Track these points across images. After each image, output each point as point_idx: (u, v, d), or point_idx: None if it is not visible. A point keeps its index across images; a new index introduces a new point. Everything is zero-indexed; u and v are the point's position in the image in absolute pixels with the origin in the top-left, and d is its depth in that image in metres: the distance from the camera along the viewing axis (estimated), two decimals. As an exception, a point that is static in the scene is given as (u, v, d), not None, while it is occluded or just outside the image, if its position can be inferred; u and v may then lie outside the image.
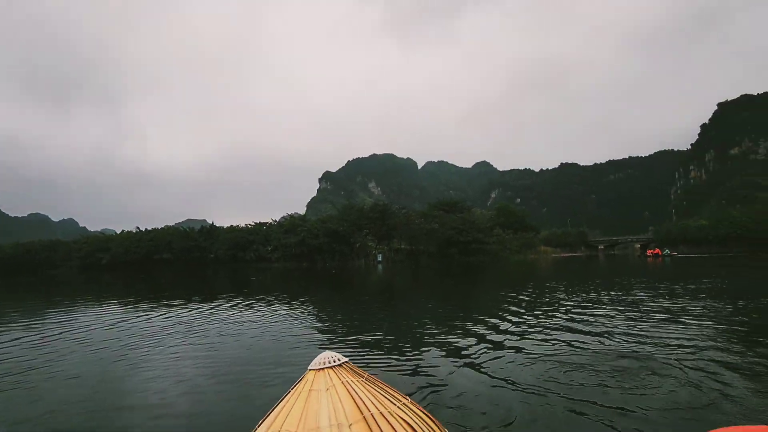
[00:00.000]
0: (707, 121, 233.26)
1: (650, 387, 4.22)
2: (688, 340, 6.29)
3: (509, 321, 8.57)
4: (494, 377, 4.84)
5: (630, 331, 7.06)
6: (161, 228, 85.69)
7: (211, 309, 11.89)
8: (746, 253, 68.07)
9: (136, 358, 6.31)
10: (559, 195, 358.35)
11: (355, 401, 1.01)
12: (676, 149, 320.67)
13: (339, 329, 8.44)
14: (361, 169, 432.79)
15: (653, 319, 8.20)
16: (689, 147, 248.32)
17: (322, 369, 1.26)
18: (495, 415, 3.68)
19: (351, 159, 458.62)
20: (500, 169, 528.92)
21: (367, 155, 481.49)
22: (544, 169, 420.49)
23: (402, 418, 1.05)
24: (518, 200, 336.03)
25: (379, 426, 0.91)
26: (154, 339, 7.77)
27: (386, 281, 24.42)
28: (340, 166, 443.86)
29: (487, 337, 7.07)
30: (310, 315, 10.88)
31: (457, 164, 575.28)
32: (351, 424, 0.98)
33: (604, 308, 9.89)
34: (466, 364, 5.44)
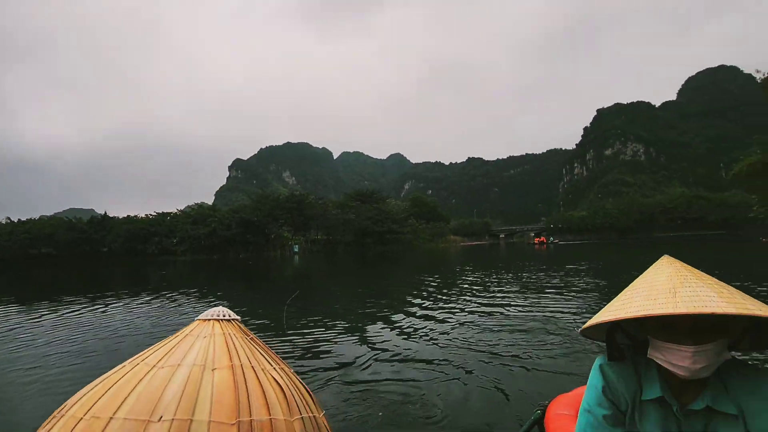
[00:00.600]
0: (588, 125, 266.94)
1: (547, 343, 5.25)
2: (571, 307, 7.74)
3: (422, 301, 9.36)
4: (406, 351, 5.20)
5: (526, 303, 8.37)
6: (38, 219, 74.29)
7: (113, 306, 10.92)
8: (616, 240, 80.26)
9: None
10: (467, 187, 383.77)
11: (229, 351, 1.00)
12: (564, 148, 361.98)
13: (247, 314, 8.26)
14: (275, 158, 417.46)
15: (545, 293, 9.76)
16: (575, 146, 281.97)
17: (209, 320, 1.23)
18: (404, 392, 3.75)
19: (264, 147, 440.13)
20: (413, 161, 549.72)
21: (281, 143, 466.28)
22: (453, 162, 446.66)
23: (272, 376, 1.05)
24: (430, 191, 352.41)
25: (245, 376, 0.88)
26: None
27: (303, 271, 24.27)
28: (252, 154, 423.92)
29: (403, 316, 7.56)
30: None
31: (372, 155, 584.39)
32: (216, 369, 0.98)
33: (506, 286, 11.39)
34: (378, 345, 5.58)
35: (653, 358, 0.92)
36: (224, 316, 1.28)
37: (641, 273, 1.00)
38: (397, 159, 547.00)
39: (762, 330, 0.87)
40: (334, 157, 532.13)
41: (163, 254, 63.69)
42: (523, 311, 7.56)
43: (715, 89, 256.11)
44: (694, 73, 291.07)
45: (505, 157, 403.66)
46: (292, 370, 1.34)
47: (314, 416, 1.24)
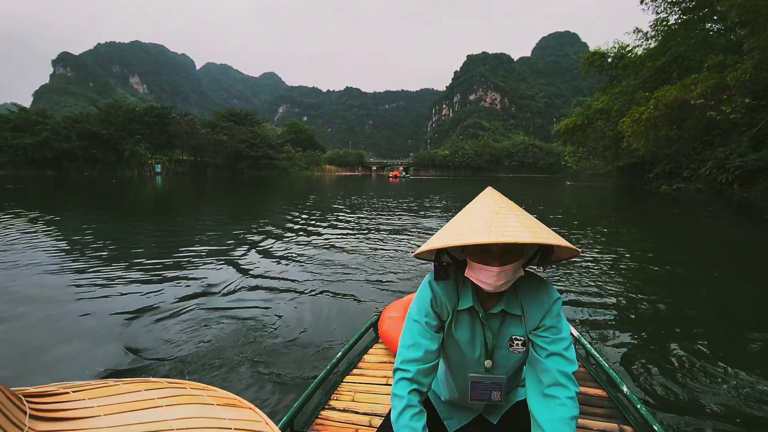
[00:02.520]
0: (458, 69, 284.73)
1: (390, 261, 6.57)
2: (411, 235, 10.43)
3: (294, 227, 9.93)
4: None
5: (379, 228, 10.47)
6: None
7: None
8: (471, 175, 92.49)
9: None
10: (343, 117, 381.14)
11: None
12: (436, 89, 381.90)
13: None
14: (120, 58, 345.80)
15: (395, 219, 12.46)
16: (445, 88, 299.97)
17: None
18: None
19: (103, 42, 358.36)
20: (289, 83, 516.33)
21: (127, 41, 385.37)
22: (331, 90, 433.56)
23: None
24: (305, 118, 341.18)
25: None
26: None
27: (166, 195, 22.34)
28: (87, 49, 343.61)
29: (273, 241, 7.87)
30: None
31: (242, 71, 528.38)
32: None
33: (368, 213, 13.84)
34: (246, 269, 5.67)
35: (468, 276, 1.13)
36: None
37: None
38: (272, 79, 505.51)
39: (548, 252, 1.12)
40: (197, 68, 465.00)
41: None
42: (375, 236, 8.83)
43: (558, 51, 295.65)
44: (546, 34, 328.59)
45: (381, 91, 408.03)
46: None
47: None
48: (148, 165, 59.10)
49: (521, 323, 1.18)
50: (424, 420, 1.10)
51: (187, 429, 0.40)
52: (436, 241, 1.07)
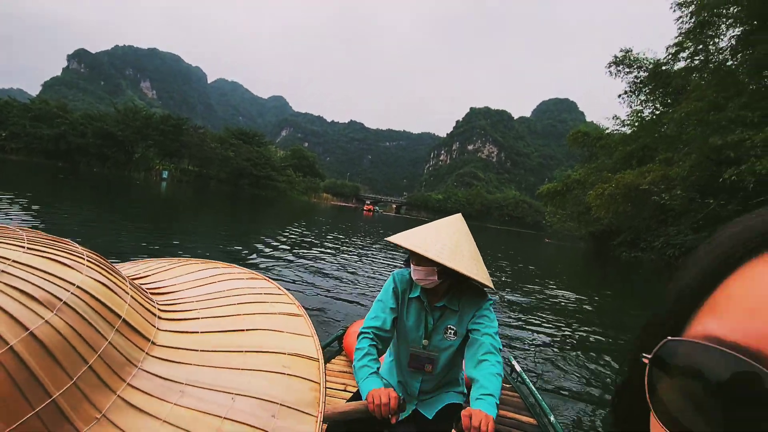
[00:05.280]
0: (461, 119, 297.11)
1: (357, 285, 9.84)
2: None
3: (285, 246, 10.87)
4: None
5: (360, 256, 13.04)
6: None
7: None
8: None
9: None
10: (344, 148, 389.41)
11: None
12: (436, 134, 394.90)
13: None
14: (135, 62, 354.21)
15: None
16: (446, 135, 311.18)
17: None
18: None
19: (123, 45, 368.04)
20: (296, 108, 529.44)
21: (145, 47, 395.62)
22: (336, 121, 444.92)
23: (15, 287, 0.36)
24: (306, 144, 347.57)
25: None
26: None
27: (171, 202, 23.81)
28: (105, 49, 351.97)
29: (261, 259, 8.44)
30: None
31: (252, 90, 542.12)
32: None
33: (351, 240, 15.78)
34: None
35: (410, 270, 1.50)
36: None
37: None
38: (279, 102, 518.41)
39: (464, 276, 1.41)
40: (208, 81, 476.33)
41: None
42: (349, 259, 10.34)
43: (556, 116, 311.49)
44: (546, 99, 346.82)
45: (384, 129, 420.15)
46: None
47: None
48: (156, 170, 61.39)
49: (457, 317, 1.54)
50: (378, 364, 1.47)
51: (244, 296, 0.49)
52: (393, 238, 1.50)
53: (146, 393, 0.32)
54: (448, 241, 1.42)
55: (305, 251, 10.58)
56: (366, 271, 8.96)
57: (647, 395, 0.24)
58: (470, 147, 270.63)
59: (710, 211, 18.26)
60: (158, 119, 61.88)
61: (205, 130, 73.18)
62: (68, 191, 18.62)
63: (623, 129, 30.33)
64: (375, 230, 23.36)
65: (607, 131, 31.66)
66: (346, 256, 10.97)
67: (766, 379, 0.18)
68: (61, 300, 0.30)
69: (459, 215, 1.66)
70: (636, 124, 28.20)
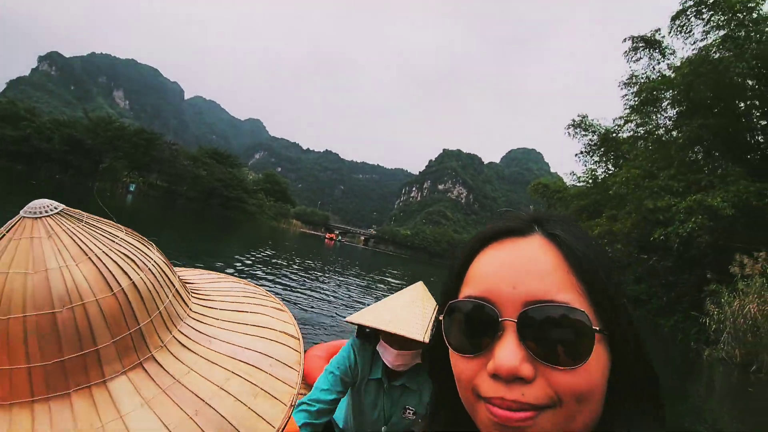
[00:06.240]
0: (433, 159, 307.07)
1: (322, 317, 10.50)
2: (341, 282, 13.94)
3: (251, 269, 11.28)
4: None
5: (320, 287, 13.61)
6: None
7: None
8: (427, 259, 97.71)
9: None
10: (316, 177, 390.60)
11: (78, 245, 0.76)
12: (409, 171, 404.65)
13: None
14: (110, 70, 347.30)
15: (334, 281, 15.94)
16: (418, 173, 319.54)
17: (40, 218, 0.91)
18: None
19: (100, 53, 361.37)
20: (271, 133, 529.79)
21: (123, 57, 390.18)
22: (311, 149, 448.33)
23: (122, 252, 0.78)
24: (279, 169, 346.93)
25: (102, 262, 0.66)
26: None
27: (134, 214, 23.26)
28: (79, 54, 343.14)
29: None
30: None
31: (229, 111, 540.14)
32: (78, 263, 0.77)
33: (316, 271, 17.01)
34: None
35: (378, 350, 1.42)
36: (53, 209, 0.85)
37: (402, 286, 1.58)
38: (256, 125, 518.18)
39: None
40: (186, 97, 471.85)
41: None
42: (313, 286, 10.64)
43: (523, 165, 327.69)
44: (515, 147, 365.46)
45: (358, 161, 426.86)
46: (130, 230, 0.75)
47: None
48: (123, 182, 59.92)
49: (417, 396, 1.48)
50: None
51: (244, 291, 0.68)
52: (358, 318, 1.44)
53: (188, 337, 0.52)
54: (418, 313, 1.42)
55: (265, 275, 10.87)
56: (324, 294, 9.52)
57: (444, 336, 0.43)
58: (441, 186, 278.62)
59: (649, 265, 20.36)
60: (132, 131, 61.09)
61: (179, 147, 72.56)
62: (23, 196, 18.40)
63: (579, 184, 33.12)
64: (335, 260, 23.93)
65: (566, 185, 34.36)
66: (308, 282, 11.45)
67: (486, 308, 0.39)
68: (147, 266, 0.52)
69: (420, 283, 1.68)
70: (590, 181, 30.92)
